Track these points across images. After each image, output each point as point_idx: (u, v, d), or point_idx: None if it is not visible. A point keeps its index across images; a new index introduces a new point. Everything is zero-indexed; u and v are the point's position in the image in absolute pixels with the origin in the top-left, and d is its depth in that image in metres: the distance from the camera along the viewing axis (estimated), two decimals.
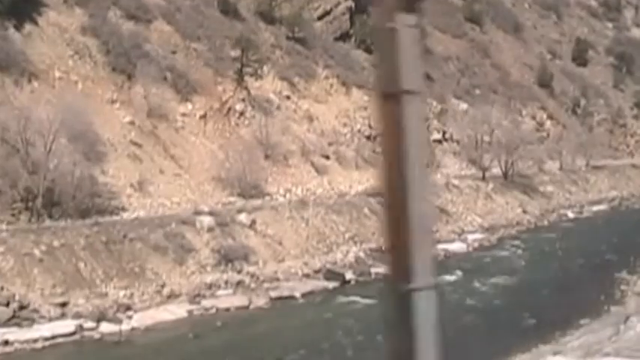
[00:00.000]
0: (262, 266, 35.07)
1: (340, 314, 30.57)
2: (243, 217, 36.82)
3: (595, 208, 65.18)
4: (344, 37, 66.67)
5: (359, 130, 57.33)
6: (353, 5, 68.39)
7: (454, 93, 72.20)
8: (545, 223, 56.16)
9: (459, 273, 38.06)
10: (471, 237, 47.61)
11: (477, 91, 75.56)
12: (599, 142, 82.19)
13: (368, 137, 57.88)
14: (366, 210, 43.99)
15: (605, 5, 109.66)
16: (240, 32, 53.54)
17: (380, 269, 38.18)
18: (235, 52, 51.78)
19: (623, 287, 35.58)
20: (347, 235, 40.70)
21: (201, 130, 46.91)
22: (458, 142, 66.01)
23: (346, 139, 55.77)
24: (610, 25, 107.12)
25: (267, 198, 43.33)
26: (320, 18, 65.09)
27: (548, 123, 79.24)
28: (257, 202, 40.40)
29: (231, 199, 41.80)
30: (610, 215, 63.41)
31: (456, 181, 55.72)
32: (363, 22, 69.65)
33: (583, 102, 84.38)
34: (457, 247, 45.19)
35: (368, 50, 68.28)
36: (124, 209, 37.22)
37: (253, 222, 36.98)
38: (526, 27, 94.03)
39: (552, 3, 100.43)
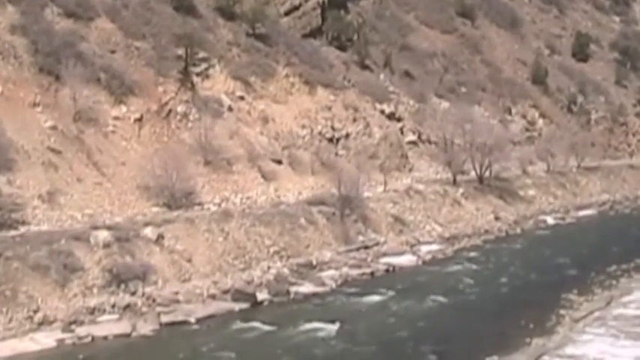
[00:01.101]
0: (161, 287, 31.92)
1: (226, 345, 27.20)
2: (148, 231, 33.66)
3: (581, 213, 61.05)
4: (314, 33, 63.24)
5: (320, 132, 53.82)
6: (325, 0, 65.03)
7: (436, 91, 68.35)
8: (519, 231, 52.23)
9: (390, 293, 34.56)
10: (425, 248, 43.95)
11: (463, 89, 71.63)
12: (597, 141, 77.98)
13: (330, 139, 54.49)
14: (302, 220, 40.61)
15: None
16: (187, 29, 50.41)
17: (302, 288, 35.04)
18: (180, 51, 48.75)
19: (562, 311, 31.73)
20: (272, 250, 37.27)
21: (134, 134, 43.84)
22: (436, 143, 62.16)
23: (304, 141, 52.25)
24: (617, 19, 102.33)
25: (198, 208, 40.30)
26: (287, 13, 61.74)
27: (540, 122, 75.11)
28: (174, 213, 37.19)
29: (155, 209, 38.74)
30: (596, 221, 59.37)
31: (420, 186, 52.07)
32: (337, 18, 66.28)
33: (580, 99, 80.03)
34: (405, 260, 41.62)
35: (341, 47, 64.89)
36: (25, 223, 34.35)
37: (160, 236, 33.79)
38: (524, 22, 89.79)
39: None
